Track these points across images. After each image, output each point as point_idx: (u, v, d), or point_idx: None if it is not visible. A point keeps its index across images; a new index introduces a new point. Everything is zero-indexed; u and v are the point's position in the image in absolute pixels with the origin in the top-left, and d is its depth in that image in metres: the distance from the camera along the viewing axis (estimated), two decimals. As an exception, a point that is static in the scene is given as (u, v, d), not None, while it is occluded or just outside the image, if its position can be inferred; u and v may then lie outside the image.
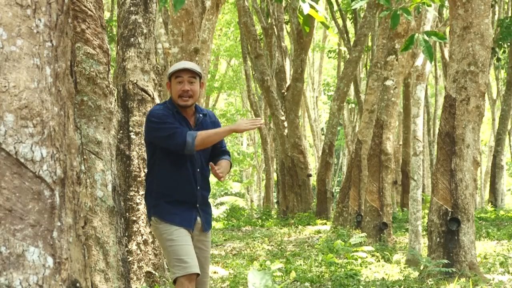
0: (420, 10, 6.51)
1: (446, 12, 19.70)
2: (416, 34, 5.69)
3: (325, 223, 16.19)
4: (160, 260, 6.93)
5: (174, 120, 4.03)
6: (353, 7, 6.43)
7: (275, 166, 22.71)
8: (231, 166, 4.33)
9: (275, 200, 24.02)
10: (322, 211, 17.52)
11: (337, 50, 27.07)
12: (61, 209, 2.29)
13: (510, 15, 21.95)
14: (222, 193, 34.69)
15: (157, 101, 7.26)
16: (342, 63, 25.67)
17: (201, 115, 4.19)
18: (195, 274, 3.93)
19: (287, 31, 22.75)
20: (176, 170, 4.08)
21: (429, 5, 6.14)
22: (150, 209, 4.17)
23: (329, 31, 23.83)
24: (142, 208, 6.87)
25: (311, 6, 5.66)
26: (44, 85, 2.27)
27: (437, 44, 20.67)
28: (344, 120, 27.30)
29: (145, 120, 4.20)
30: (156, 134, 4.03)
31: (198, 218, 4.14)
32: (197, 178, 4.13)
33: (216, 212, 25.10)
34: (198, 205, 4.14)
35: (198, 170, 4.14)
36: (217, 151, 4.31)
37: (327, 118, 21.18)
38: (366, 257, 9.09)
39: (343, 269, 7.88)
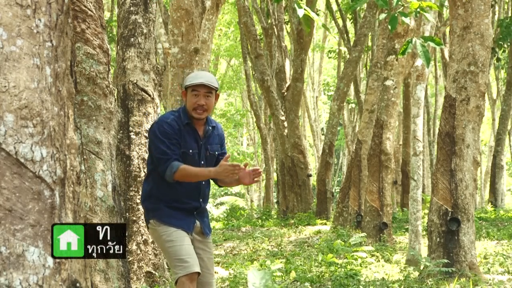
0: (418, 15, 6.52)
1: (446, 12, 19.69)
2: (414, 39, 5.68)
3: (325, 223, 16.19)
4: (160, 260, 6.93)
5: (175, 138, 4.01)
6: (352, 6, 6.42)
7: (275, 166, 22.70)
8: None
9: (275, 200, 24.02)
10: (322, 211, 17.52)
11: (337, 50, 27.07)
12: (61, 209, 2.29)
13: (510, 15, 21.94)
14: (222, 193, 34.68)
15: (157, 101, 7.26)
16: (342, 63, 25.67)
17: (210, 128, 4.20)
18: (196, 273, 3.92)
19: (287, 31, 22.75)
20: (179, 182, 4.07)
21: (427, 11, 6.14)
22: (149, 212, 4.15)
23: (329, 32, 23.90)
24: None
25: (306, 11, 5.67)
26: (44, 85, 2.27)
27: (437, 44, 20.65)
28: (344, 120, 27.30)
29: (152, 126, 4.18)
30: (153, 149, 4.07)
31: (197, 222, 4.15)
32: (201, 191, 4.15)
33: (216, 212, 25.10)
34: (195, 213, 4.16)
35: (203, 182, 4.15)
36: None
37: (327, 118, 21.18)
38: (366, 257, 9.09)
39: (343, 269, 7.88)
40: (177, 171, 3.93)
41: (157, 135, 4.02)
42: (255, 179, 4.07)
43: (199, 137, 4.13)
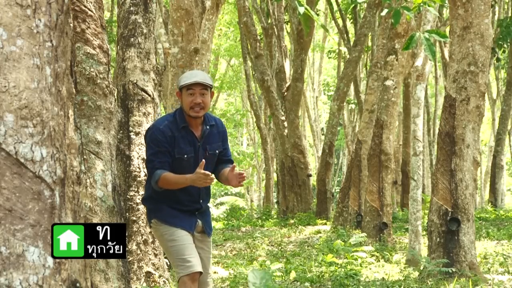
0: (421, 10, 6.52)
1: (446, 12, 19.69)
2: (418, 33, 5.67)
3: (325, 223, 16.19)
4: (160, 260, 6.92)
5: (165, 146, 4.01)
6: (354, 1, 6.39)
7: (275, 166, 22.70)
8: None
9: (275, 200, 24.01)
10: (322, 211, 17.52)
11: (337, 50, 27.06)
12: (61, 209, 2.29)
13: (510, 15, 21.94)
14: (222, 193, 34.69)
15: (157, 101, 7.26)
16: (342, 63, 25.66)
17: (208, 127, 4.17)
18: (197, 272, 3.97)
19: (287, 31, 22.75)
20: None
21: (431, 6, 6.14)
22: (151, 212, 4.16)
23: (328, 34, 23.89)
24: (142, 208, 6.86)
25: (307, 10, 5.68)
26: (44, 85, 2.26)
27: (437, 44, 20.69)
28: (344, 120, 27.29)
29: (147, 131, 4.18)
30: (146, 156, 4.13)
31: (199, 221, 4.19)
32: (200, 192, 4.16)
33: (216, 212, 25.09)
34: (197, 213, 4.19)
35: None
36: (222, 160, 4.30)
37: (327, 118, 21.18)
38: (366, 257, 9.08)
39: (343, 269, 7.88)
40: (159, 179, 3.96)
41: (148, 142, 4.08)
42: (240, 182, 4.08)
43: (196, 139, 4.12)
